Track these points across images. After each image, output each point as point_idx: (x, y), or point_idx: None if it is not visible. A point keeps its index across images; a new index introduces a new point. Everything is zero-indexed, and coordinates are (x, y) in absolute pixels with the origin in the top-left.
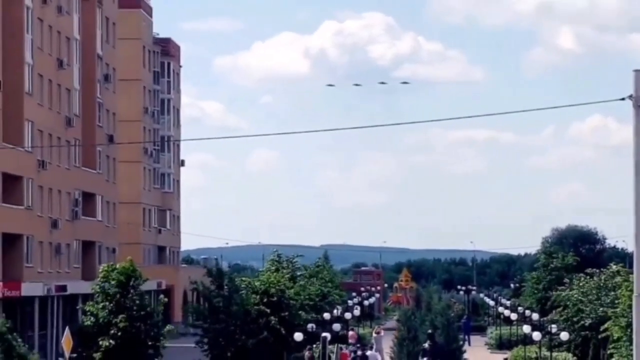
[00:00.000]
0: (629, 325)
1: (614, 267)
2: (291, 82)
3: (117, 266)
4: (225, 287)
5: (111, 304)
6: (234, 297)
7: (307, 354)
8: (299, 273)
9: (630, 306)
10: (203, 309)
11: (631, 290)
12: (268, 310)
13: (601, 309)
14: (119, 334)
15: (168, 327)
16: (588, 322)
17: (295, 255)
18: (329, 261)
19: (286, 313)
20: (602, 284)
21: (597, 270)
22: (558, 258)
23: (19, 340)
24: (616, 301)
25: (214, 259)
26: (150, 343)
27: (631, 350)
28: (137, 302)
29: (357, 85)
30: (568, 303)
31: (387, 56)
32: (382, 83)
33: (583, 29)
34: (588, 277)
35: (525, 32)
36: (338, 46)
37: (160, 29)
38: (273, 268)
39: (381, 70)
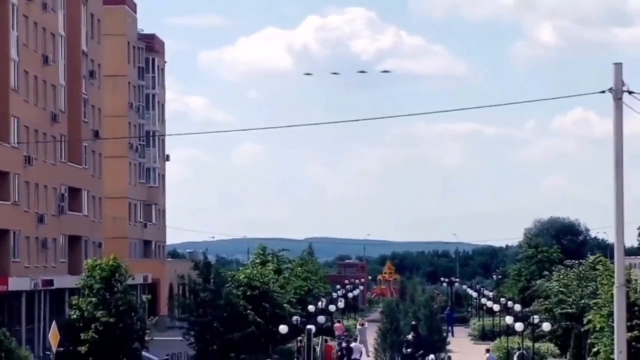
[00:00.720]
0: (610, 315)
1: (592, 257)
2: (275, 76)
3: (101, 262)
4: (212, 280)
5: (96, 299)
6: (220, 290)
7: (297, 345)
8: (284, 266)
9: (611, 296)
10: (190, 302)
11: (612, 281)
12: (251, 304)
13: (582, 300)
14: (102, 328)
15: (151, 319)
16: (570, 311)
17: (280, 249)
18: (314, 254)
19: (269, 306)
20: (582, 275)
21: (577, 262)
22: (543, 251)
23: (8, 334)
24: (597, 292)
25: (201, 253)
26: (135, 336)
27: (612, 340)
28: (122, 296)
29: (335, 73)
30: (550, 293)
31: (370, 50)
32: (362, 72)
33: (564, 23)
34: (568, 268)
35: (508, 26)
36: (321, 41)
37: (145, 24)
38: (258, 261)
39: (364, 65)
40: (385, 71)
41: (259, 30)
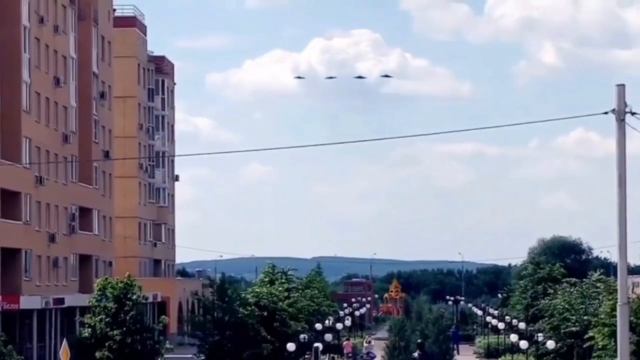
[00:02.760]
0: (613, 333)
1: (595, 275)
2: (281, 98)
3: (112, 280)
4: (227, 299)
5: (108, 318)
6: (235, 309)
7: None
8: (292, 285)
9: (611, 315)
10: (204, 320)
11: (613, 300)
12: (261, 323)
13: (585, 317)
14: (115, 346)
15: (167, 345)
16: (574, 329)
17: (289, 268)
18: (322, 273)
19: (278, 324)
20: (585, 293)
21: (579, 280)
22: (545, 269)
23: (14, 353)
24: (599, 309)
25: (205, 272)
26: (147, 355)
27: (615, 358)
28: (134, 315)
29: (331, 77)
30: (554, 312)
31: (375, 72)
32: (360, 77)
33: (565, 44)
34: (572, 286)
35: (510, 48)
36: (326, 63)
37: (155, 47)
38: (267, 280)
39: (368, 86)
40: (387, 75)
41: (264, 52)
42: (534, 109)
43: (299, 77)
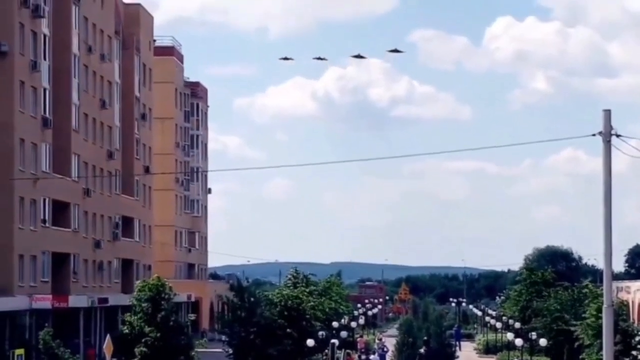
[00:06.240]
0: (598, 334)
1: (586, 282)
2: (301, 120)
3: (149, 282)
4: (247, 300)
5: (145, 316)
6: (255, 309)
7: (323, 357)
8: (313, 288)
9: (596, 317)
10: (228, 319)
11: (598, 303)
12: (287, 322)
13: (574, 319)
14: (151, 343)
15: (199, 341)
16: (564, 328)
17: (309, 273)
18: (341, 278)
19: (303, 323)
20: (575, 297)
21: (570, 285)
22: (537, 274)
23: (62, 348)
24: (586, 312)
25: (237, 276)
26: (181, 351)
27: (600, 355)
28: (167, 314)
29: (319, 58)
30: (547, 312)
31: (385, 98)
32: (359, 56)
33: (554, 73)
34: (565, 290)
35: (506, 76)
36: (341, 89)
37: (190, 73)
38: (290, 283)
39: (379, 110)
40: (397, 50)
41: (286, 79)
42: (527, 131)
43: (286, 59)
